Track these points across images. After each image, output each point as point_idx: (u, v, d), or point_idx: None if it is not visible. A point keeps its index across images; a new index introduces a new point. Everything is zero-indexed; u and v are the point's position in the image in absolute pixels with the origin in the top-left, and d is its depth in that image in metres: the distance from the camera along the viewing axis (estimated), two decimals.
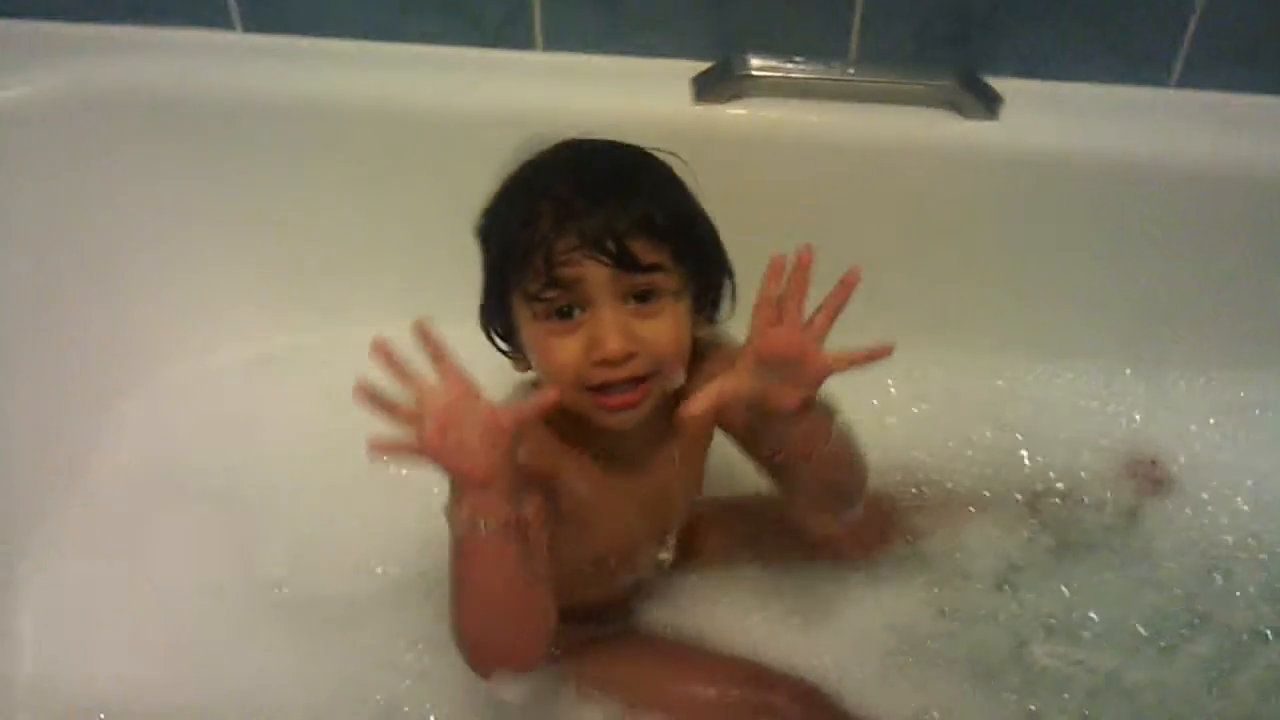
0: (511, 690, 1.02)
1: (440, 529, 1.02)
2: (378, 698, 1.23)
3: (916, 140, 1.41)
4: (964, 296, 1.52)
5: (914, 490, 1.43)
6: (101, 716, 1.21)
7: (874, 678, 1.26)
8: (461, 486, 0.96)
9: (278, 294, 1.56)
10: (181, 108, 1.44)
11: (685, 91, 1.41)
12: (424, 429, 0.92)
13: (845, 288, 0.98)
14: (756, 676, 1.22)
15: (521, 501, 0.98)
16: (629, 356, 0.97)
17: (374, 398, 0.92)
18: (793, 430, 1.02)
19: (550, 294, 0.97)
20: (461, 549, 0.98)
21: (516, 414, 0.96)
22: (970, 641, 1.30)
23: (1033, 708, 1.25)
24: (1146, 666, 1.28)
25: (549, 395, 0.97)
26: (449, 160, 1.42)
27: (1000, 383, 1.55)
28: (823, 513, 1.14)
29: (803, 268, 0.97)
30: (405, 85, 1.44)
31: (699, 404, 0.97)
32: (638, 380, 0.99)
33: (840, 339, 1.41)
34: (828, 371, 0.97)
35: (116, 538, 1.37)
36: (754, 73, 1.39)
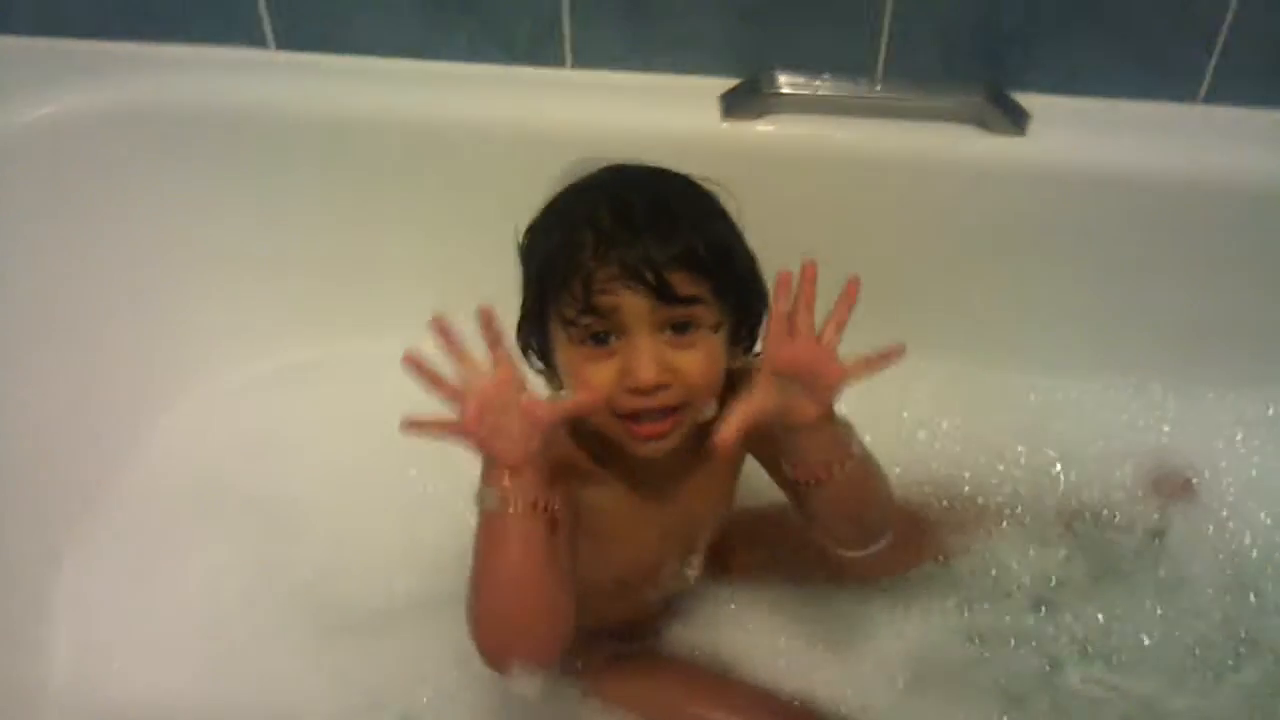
0: (524, 686, 1.01)
1: (465, 545, 1.02)
2: (397, 706, 1.24)
3: (944, 156, 1.41)
4: (993, 312, 1.52)
5: (945, 503, 1.42)
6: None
7: (898, 703, 1.25)
8: (494, 468, 0.97)
9: (310, 308, 1.58)
10: (215, 124, 1.47)
11: (713, 108, 1.41)
12: (464, 408, 0.94)
13: (848, 297, 0.99)
14: (775, 708, 1.23)
15: (551, 492, 0.98)
16: (661, 387, 0.97)
17: (421, 368, 0.94)
18: (812, 448, 1.02)
19: (586, 320, 0.97)
20: (488, 529, 0.98)
21: (556, 409, 0.97)
22: (999, 666, 1.30)
23: None
24: (1189, 695, 1.27)
25: (591, 397, 0.98)
26: (480, 177, 1.44)
27: (1032, 397, 1.54)
28: (846, 546, 1.13)
29: (809, 280, 0.97)
30: (436, 102, 1.45)
31: (730, 431, 0.97)
32: (669, 410, 1.00)
33: (875, 345, 1.42)
34: (843, 379, 0.98)
35: (148, 547, 1.39)
36: (782, 90, 1.40)
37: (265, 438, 1.50)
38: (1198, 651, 1.30)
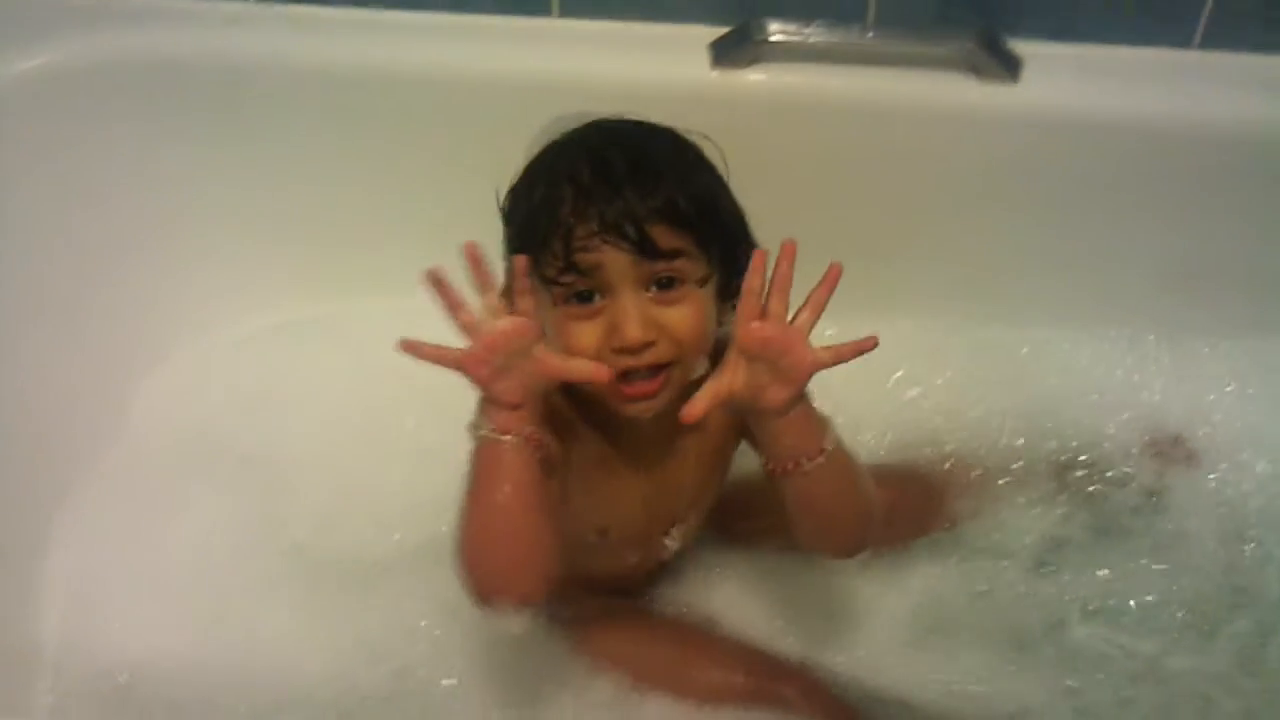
0: (510, 624, 1.00)
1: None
2: (393, 661, 1.24)
3: (935, 104, 1.39)
4: (986, 263, 1.50)
5: (946, 466, 1.42)
6: (125, 676, 1.22)
7: (906, 658, 1.25)
8: (491, 403, 0.96)
9: (304, 264, 1.56)
10: (209, 78, 1.44)
11: (703, 57, 1.39)
12: (474, 342, 0.93)
13: (829, 283, 0.97)
14: (767, 665, 1.22)
15: (546, 431, 0.98)
16: (648, 345, 0.96)
17: (442, 287, 0.93)
18: (781, 436, 1.01)
19: (568, 279, 0.96)
20: (482, 458, 0.97)
21: (566, 369, 0.96)
22: (1005, 620, 1.30)
23: (1070, 684, 1.24)
24: (1187, 653, 1.27)
25: (602, 373, 0.96)
26: (469, 129, 1.41)
27: (1025, 350, 1.53)
28: (821, 550, 1.14)
29: (786, 260, 0.95)
30: (424, 53, 1.43)
31: (698, 405, 0.96)
32: (658, 368, 0.99)
33: (861, 307, 1.41)
34: (813, 367, 0.96)
35: (143, 504, 1.38)
36: (772, 37, 1.37)
37: (261, 394, 1.49)
38: (1197, 607, 1.30)
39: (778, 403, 0.97)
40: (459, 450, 0.99)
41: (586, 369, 0.96)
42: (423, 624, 1.26)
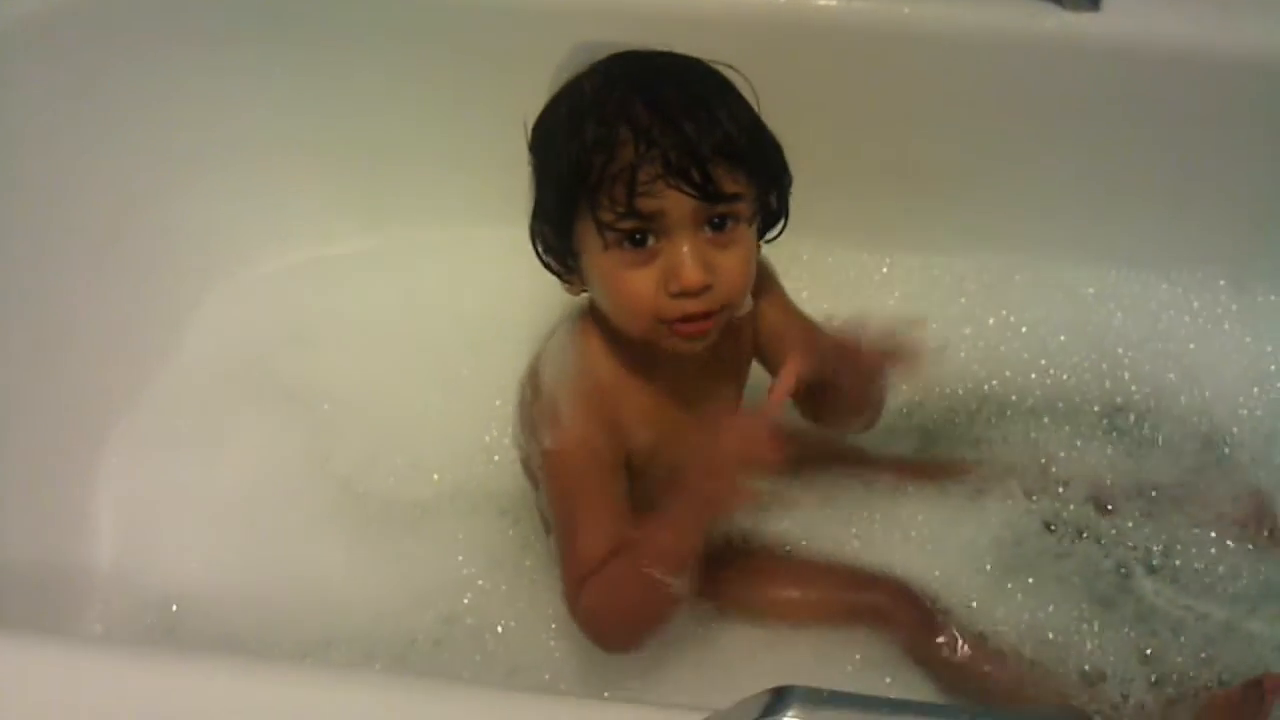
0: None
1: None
2: (440, 607, 1.23)
3: (1014, 32, 1.32)
4: (1058, 198, 1.45)
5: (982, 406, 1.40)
6: (174, 607, 1.24)
7: (986, 592, 1.23)
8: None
9: (350, 196, 1.52)
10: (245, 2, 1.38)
11: None
12: None
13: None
14: (854, 578, 1.21)
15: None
16: (706, 287, 0.96)
17: None
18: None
19: (628, 224, 0.94)
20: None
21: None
22: (1080, 560, 1.27)
23: (1148, 651, 1.20)
24: (1263, 620, 1.22)
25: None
26: (519, 58, 1.33)
27: (1090, 290, 1.48)
28: (852, 428, 1.21)
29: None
30: None
31: (783, 390, 0.98)
32: (710, 313, 0.99)
33: (929, 242, 1.37)
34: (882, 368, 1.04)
35: (193, 434, 1.38)
36: None
37: (307, 326, 1.48)
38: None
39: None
40: (500, 386, 1.03)
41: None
42: (467, 572, 1.26)
